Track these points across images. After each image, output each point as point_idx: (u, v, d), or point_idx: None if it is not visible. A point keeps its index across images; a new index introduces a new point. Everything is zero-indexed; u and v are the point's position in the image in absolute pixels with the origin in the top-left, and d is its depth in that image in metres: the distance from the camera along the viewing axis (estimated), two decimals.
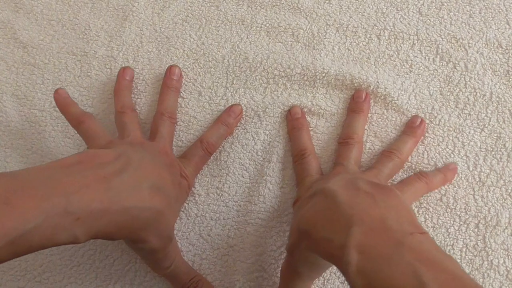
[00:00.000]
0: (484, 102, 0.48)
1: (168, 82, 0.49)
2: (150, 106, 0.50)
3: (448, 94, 0.49)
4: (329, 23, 0.52)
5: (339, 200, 0.33)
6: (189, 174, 0.44)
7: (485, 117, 0.48)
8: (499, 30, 0.51)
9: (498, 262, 0.44)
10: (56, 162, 0.34)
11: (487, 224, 0.44)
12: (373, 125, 0.48)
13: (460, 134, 0.47)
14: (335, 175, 0.40)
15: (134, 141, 0.43)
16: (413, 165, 0.47)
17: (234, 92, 0.50)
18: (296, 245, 0.36)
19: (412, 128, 0.47)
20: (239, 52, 0.51)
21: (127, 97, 0.48)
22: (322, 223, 0.33)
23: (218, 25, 0.53)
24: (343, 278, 0.38)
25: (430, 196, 0.46)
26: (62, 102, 0.46)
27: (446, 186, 0.46)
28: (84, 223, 0.31)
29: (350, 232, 0.30)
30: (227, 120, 0.48)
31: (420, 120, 0.47)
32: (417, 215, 0.45)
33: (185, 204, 0.47)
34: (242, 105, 0.50)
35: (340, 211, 0.33)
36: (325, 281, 0.44)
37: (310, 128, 0.49)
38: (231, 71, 0.51)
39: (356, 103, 0.48)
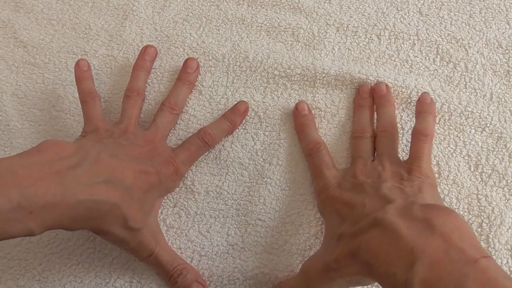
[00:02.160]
0: (485, 102, 0.48)
1: (181, 76, 0.50)
2: (149, 105, 0.50)
3: (450, 92, 0.49)
4: (329, 23, 0.52)
5: (400, 234, 0.33)
6: (180, 161, 0.45)
7: (487, 116, 0.48)
8: (499, 30, 0.51)
9: (501, 262, 0.43)
10: (18, 154, 0.35)
11: (491, 224, 0.44)
12: (374, 122, 0.48)
13: (461, 133, 0.47)
14: (380, 194, 0.39)
15: (124, 129, 0.45)
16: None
17: (235, 91, 0.50)
18: (347, 267, 0.36)
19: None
20: (239, 51, 0.51)
21: (140, 79, 0.49)
22: (384, 257, 0.33)
23: (218, 24, 0.53)
24: None
25: None
26: (79, 75, 0.48)
27: (449, 186, 0.46)
28: (37, 216, 0.33)
29: (414, 268, 0.30)
30: (231, 116, 0.48)
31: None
32: None
33: (184, 202, 0.47)
34: None
35: (401, 245, 0.32)
36: None
37: None
38: (231, 70, 0.51)
39: (362, 98, 0.48)
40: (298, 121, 0.48)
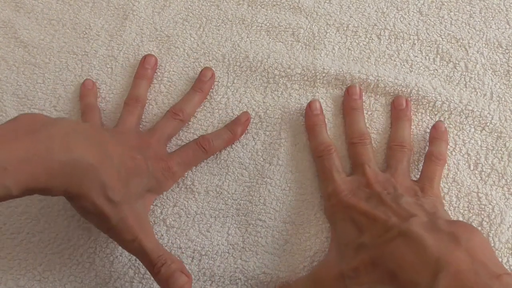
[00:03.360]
0: (485, 101, 0.48)
1: (195, 84, 0.50)
2: (149, 105, 0.50)
3: (450, 91, 0.49)
4: (329, 23, 0.52)
5: (426, 244, 0.34)
6: (175, 162, 0.45)
7: (488, 115, 0.48)
8: (499, 30, 0.52)
9: (502, 261, 0.43)
10: None
11: (491, 222, 0.44)
12: (374, 122, 0.48)
13: (461, 132, 0.47)
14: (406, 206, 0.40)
15: (117, 129, 0.46)
16: (415, 161, 0.47)
17: (235, 91, 0.50)
18: (366, 275, 0.37)
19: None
20: (239, 51, 0.51)
21: (140, 86, 0.49)
22: (409, 266, 0.34)
23: (218, 24, 0.53)
24: None
25: None
26: (83, 92, 0.50)
27: (448, 185, 0.46)
28: (12, 173, 0.32)
29: (439, 277, 0.31)
30: (231, 126, 0.48)
31: (405, 100, 0.48)
32: None
33: (184, 201, 0.47)
34: (243, 105, 0.50)
35: (427, 254, 0.33)
36: None
37: None
38: (231, 70, 0.51)
39: (353, 100, 0.48)
40: (310, 120, 0.48)
